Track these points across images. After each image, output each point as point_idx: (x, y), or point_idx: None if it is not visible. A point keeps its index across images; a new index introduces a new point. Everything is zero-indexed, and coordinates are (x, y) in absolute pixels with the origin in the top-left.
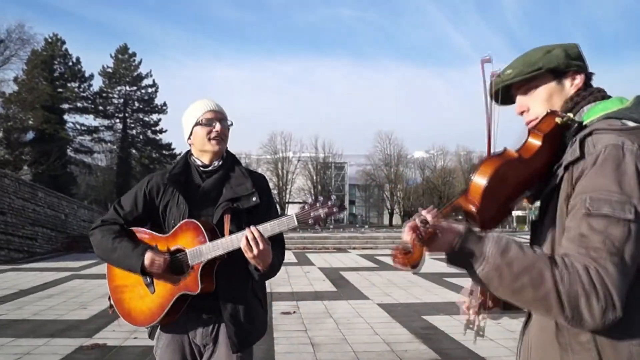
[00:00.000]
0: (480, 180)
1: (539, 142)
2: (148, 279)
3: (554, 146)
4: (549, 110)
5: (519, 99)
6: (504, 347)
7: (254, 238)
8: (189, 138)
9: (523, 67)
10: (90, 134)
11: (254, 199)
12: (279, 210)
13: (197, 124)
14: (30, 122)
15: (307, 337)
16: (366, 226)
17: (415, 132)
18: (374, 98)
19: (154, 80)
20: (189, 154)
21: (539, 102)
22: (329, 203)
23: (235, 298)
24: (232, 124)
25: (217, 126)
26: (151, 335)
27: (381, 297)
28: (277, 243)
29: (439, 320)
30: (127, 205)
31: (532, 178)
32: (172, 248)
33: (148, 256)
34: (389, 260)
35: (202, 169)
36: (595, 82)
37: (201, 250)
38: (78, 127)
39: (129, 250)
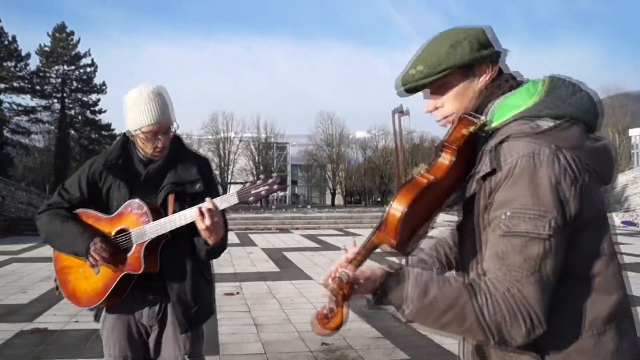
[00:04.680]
0: (395, 214)
1: (451, 158)
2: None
3: (466, 155)
4: (460, 115)
5: (427, 98)
6: None
7: (208, 209)
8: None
9: (429, 69)
10: (27, 114)
11: (198, 186)
12: (221, 191)
13: (139, 131)
14: None
15: (251, 317)
16: (309, 206)
17: (356, 113)
18: (316, 78)
19: (92, 60)
20: (129, 141)
21: (449, 100)
22: (270, 180)
23: (180, 278)
24: (177, 128)
25: (160, 144)
26: (96, 318)
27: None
28: None
29: None
30: (72, 189)
31: (448, 193)
32: (117, 228)
33: (96, 244)
34: (331, 240)
35: (144, 158)
36: (533, 63)
37: (145, 229)
38: (14, 107)
39: (75, 236)
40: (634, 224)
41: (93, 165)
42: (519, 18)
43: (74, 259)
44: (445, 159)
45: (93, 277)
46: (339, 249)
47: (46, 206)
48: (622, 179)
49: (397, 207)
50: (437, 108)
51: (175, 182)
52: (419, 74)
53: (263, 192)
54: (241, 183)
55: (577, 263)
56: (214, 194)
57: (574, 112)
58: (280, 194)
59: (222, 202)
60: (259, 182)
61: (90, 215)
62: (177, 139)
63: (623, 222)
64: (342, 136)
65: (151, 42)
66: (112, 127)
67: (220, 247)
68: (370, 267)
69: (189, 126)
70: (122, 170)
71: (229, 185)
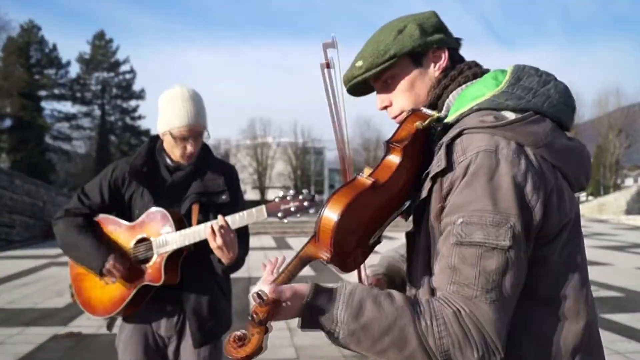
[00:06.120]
0: (328, 222)
1: (397, 159)
2: None
3: (418, 153)
4: (409, 111)
5: (379, 94)
6: None
7: (220, 227)
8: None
9: (374, 58)
10: (68, 120)
11: (224, 197)
12: (258, 195)
13: (170, 132)
14: (8, 110)
15: (285, 321)
16: None
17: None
18: None
19: (131, 67)
20: (157, 145)
21: (401, 93)
22: (300, 197)
23: (199, 291)
24: (208, 137)
25: (189, 148)
26: (109, 327)
27: None
28: (241, 236)
29: None
30: (92, 194)
31: (398, 198)
32: (138, 237)
33: (109, 262)
34: None
35: (171, 164)
36: (566, 66)
37: (167, 239)
38: (56, 114)
39: (90, 251)
40: None
41: (116, 170)
42: (554, 19)
43: None
44: (392, 159)
45: (110, 286)
46: (375, 252)
47: (64, 212)
48: None
49: (329, 214)
50: (386, 107)
51: (200, 192)
52: (365, 65)
53: (292, 209)
54: (279, 187)
55: (544, 281)
56: (240, 206)
57: (542, 106)
58: (317, 198)
59: (250, 217)
60: (288, 197)
61: (111, 222)
62: (204, 147)
63: None
64: (379, 140)
65: (188, 48)
66: (151, 133)
67: (235, 265)
68: (294, 285)
69: (227, 132)
70: (147, 177)
71: (267, 190)
